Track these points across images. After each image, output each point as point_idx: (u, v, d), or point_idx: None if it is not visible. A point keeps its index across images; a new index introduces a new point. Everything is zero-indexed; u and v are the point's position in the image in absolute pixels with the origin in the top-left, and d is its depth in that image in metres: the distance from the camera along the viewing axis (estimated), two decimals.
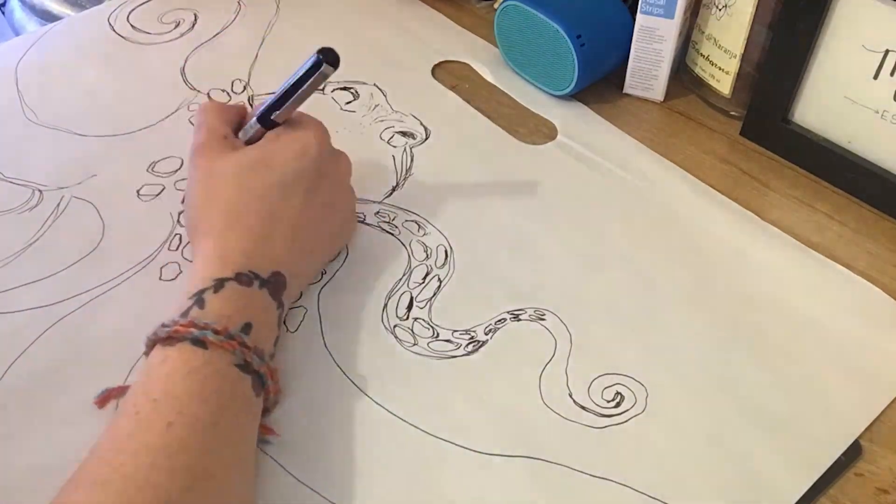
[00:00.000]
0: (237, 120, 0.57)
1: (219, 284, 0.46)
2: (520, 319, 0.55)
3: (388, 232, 0.61)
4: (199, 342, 0.43)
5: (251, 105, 0.71)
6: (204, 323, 0.44)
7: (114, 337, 0.53)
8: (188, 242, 0.59)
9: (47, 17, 1.08)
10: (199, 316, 0.44)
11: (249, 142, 0.55)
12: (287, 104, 0.53)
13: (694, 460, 0.48)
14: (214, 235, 0.49)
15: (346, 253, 0.59)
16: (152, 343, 0.44)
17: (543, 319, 0.55)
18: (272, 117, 0.54)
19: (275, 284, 0.49)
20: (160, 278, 0.57)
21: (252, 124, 0.54)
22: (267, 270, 0.49)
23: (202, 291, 0.46)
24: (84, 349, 0.52)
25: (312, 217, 0.53)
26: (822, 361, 0.53)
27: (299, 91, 0.52)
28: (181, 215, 0.61)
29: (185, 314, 0.44)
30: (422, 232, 0.61)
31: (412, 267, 0.58)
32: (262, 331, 0.47)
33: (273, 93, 0.53)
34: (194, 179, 0.53)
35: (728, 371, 0.53)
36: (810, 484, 0.47)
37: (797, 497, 0.47)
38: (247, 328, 0.45)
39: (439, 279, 0.58)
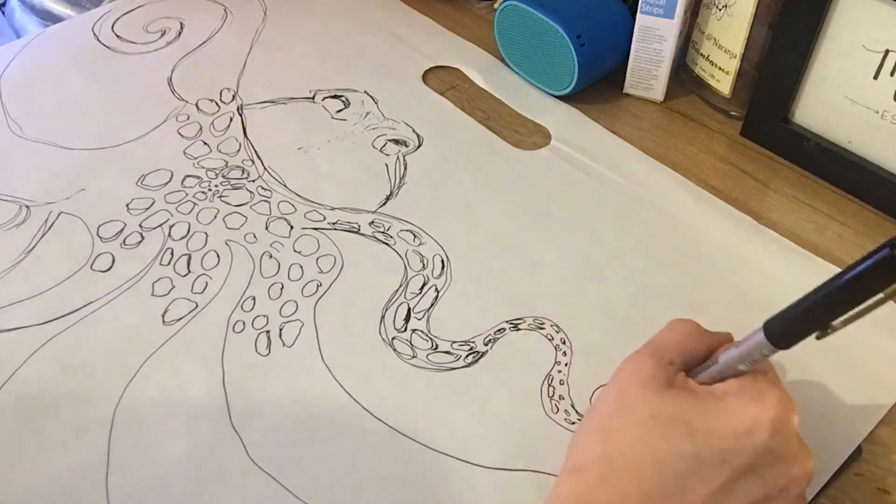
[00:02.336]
0: (704, 352, 0.45)
1: None
2: (519, 329, 0.54)
3: (383, 242, 0.60)
4: None
5: (241, 115, 0.70)
6: None
7: (106, 355, 0.52)
8: (181, 256, 0.58)
9: (47, 17, 1.07)
10: None
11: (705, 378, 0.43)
12: (812, 313, 0.36)
13: None
14: (580, 480, 0.39)
15: (341, 264, 0.58)
16: None
17: (542, 328, 0.54)
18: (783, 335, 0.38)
19: None
20: (152, 294, 0.56)
21: (753, 345, 0.40)
22: None
23: None
24: (76, 369, 0.52)
25: None
26: (823, 364, 0.53)
27: (844, 297, 0.36)
28: (172, 228, 0.60)
29: None
30: (417, 241, 0.60)
31: (409, 278, 0.57)
32: None
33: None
34: (607, 397, 0.42)
35: None
36: (818, 489, 0.47)
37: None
38: None
39: (436, 290, 0.57)
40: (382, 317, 0.55)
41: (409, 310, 0.55)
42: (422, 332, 0.54)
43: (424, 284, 0.57)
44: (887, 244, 0.31)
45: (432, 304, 0.56)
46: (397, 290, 0.57)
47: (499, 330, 0.54)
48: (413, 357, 0.53)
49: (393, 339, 0.54)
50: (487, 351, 0.53)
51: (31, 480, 0.46)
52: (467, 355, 0.53)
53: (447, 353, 0.53)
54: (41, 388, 0.50)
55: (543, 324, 0.55)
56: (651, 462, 0.38)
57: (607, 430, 0.40)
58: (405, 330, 0.54)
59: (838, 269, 0.57)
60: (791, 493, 0.41)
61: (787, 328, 0.37)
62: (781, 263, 0.59)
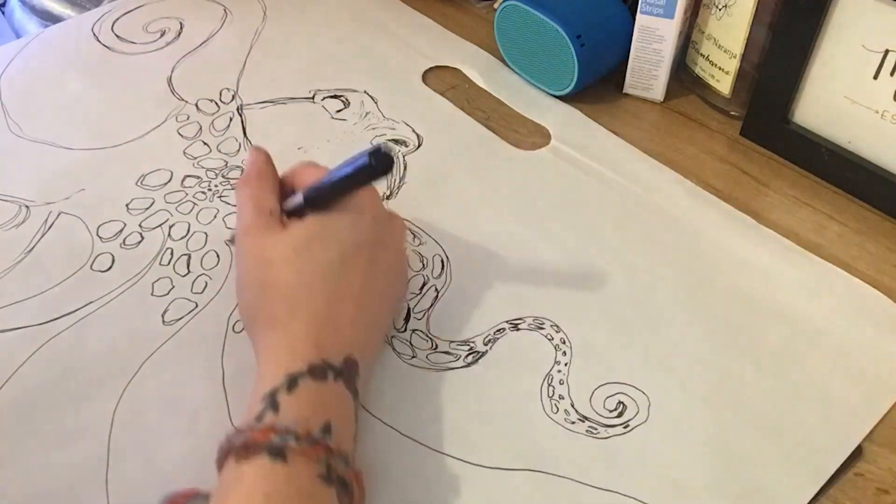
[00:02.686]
0: (277, 182, 0.53)
1: (292, 381, 0.42)
2: (519, 329, 0.54)
3: None
4: (278, 453, 0.38)
5: (241, 115, 0.70)
6: (284, 427, 0.39)
7: (106, 355, 0.52)
8: (181, 256, 0.58)
9: (47, 17, 1.07)
10: (275, 420, 0.40)
11: (293, 214, 0.51)
12: (323, 189, 0.49)
13: (697, 468, 0.48)
14: (279, 326, 0.45)
15: None
16: (224, 453, 0.40)
17: (542, 328, 0.54)
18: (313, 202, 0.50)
19: (349, 372, 0.44)
20: (152, 294, 0.56)
21: (298, 202, 0.50)
22: (339, 357, 0.44)
23: (275, 392, 0.41)
24: (76, 369, 0.51)
25: (374, 288, 0.49)
26: (823, 365, 0.53)
27: (344, 187, 0.48)
28: (172, 228, 0.60)
29: (259, 418, 0.41)
30: (417, 241, 0.60)
31: (409, 277, 0.57)
32: (342, 429, 0.42)
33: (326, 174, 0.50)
34: (246, 265, 0.48)
35: (729, 376, 0.52)
36: (816, 490, 0.47)
37: None
38: (327, 429, 0.41)
39: (436, 289, 0.57)
40: None
41: (409, 310, 0.55)
42: (421, 331, 0.54)
43: (424, 284, 0.57)
44: (371, 155, 0.45)
45: (432, 304, 0.56)
46: None
47: (498, 330, 0.54)
48: (413, 357, 0.53)
49: (392, 338, 0.54)
50: (487, 351, 0.53)
51: (32, 480, 0.46)
52: (467, 355, 0.53)
53: (447, 353, 0.53)
54: (41, 388, 0.50)
55: (543, 324, 0.55)
56: (316, 279, 0.46)
57: (269, 282, 0.46)
58: (405, 330, 0.54)
59: (840, 270, 0.58)
60: (402, 247, 0.54)
61: (314, 199, 0.49)
62: (781, 263, 0.59)
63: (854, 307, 0.56)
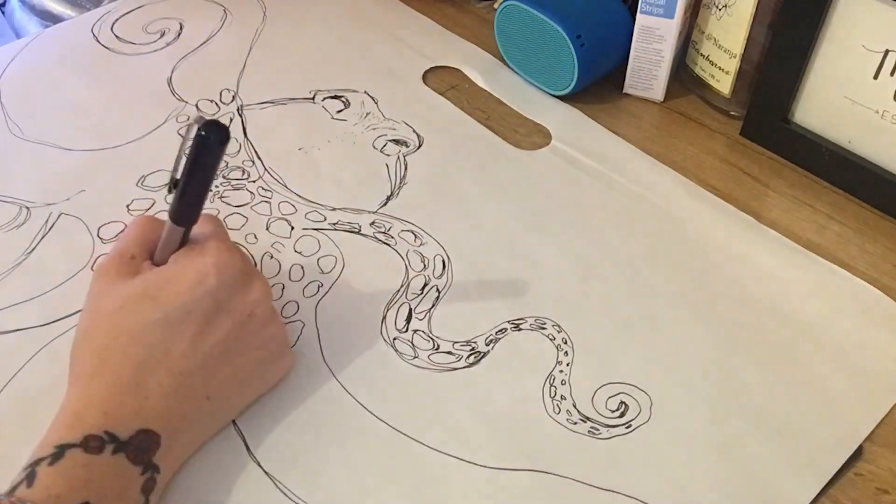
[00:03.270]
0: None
1: (58, 454, 0.39)
2: (520, 329, 0.54)
3: (384, 243, 0.60)
4: None
5: (241, 116, 0.70)
6: (30, 503, 0.37)
7: None
8: None
9: (47, 17, 1.07)
10: (23, 496, 0.38)
11: (160, 259, 0.47)
12: (183, 199, 0.44)
13: (700, 468, 0.48)
14: (79, 384, 0.43)
15: (342, 265, 0.58)
16: None
17: (544, 328, 0.54)
18: (180, 215, 0.45)
19: (138, 446, 0.41)
20: None
21: (168, 228, 0.46)
22: (130, 429, 0.41)
23: (37, 462, 0.39)
24: None
25: (209, 358, 0.45)
26: (825, 364, 0.53)
27: (192, 181, 0.43)
28: None
29: (12, 489, 0.38)
30: (418, 242, 0.60)
31: (410, 278, 0.57)
32: None
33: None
34: (84, 308, 0.46)
35: (731, 376, 0.52)
36: (818, 489, 0.47)
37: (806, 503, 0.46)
38: None
39: (438, 290, 0.57)
40: (384, 317, 0.55)
41: (410, 310, 0.55)
42: (423, 332, 0.54)
43: (426, 285, 0.57)
44: (200, 127, 0.40)
45: (433, 305, 0.56)
46: (398, 290, 0.57)
47: (500, 330, 0.54)
48: (415, 357, 0.53)
49: (395, 339, 0.54)
50: (489, 351, 0.53)
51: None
52: (469, 355, 0.53)
53: (449, 353, 0.53)
54: (42, 390, 0.50)
55: (545, 324, 0.55)
56: (132, 340, 0.43)
57: (91, 334, 0.44)
58: (406, 330, 0.54)
59: (839, 269, 0.58)
60: (259, 314, 0.47)
61: (178, 214, 0.45)
62: (781, 263, 0.59)
63: (854, 307, 0.56)
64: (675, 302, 0.56)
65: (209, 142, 0.41)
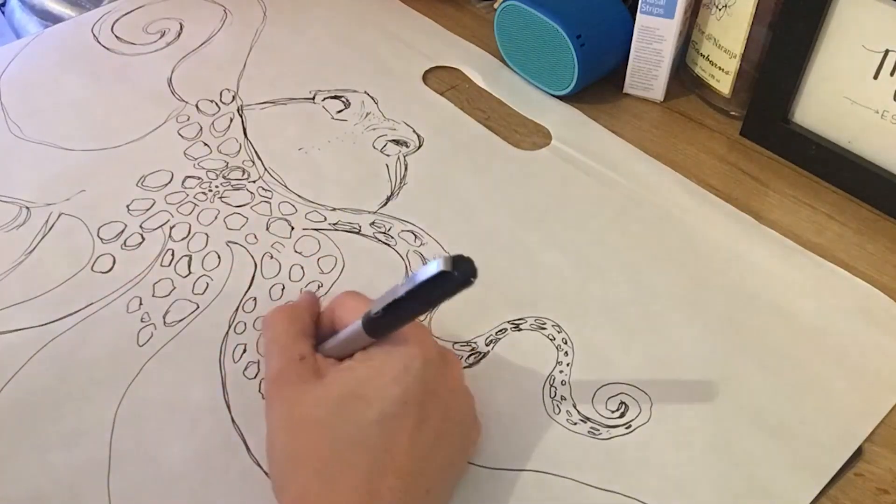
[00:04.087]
0: (311, 321, 0.47)
1: None
2: (520, 329, 0.54)
3: (384, 243, 0.60)
4: None
5: (241, 116, 0.70)
6: None
7: (107, 357, 0.52)
8: (182, 257, 0.58)
9: (47, 17, 1.08)
10: None
11: (336, 353, 0.45)
12: (392, 320, 0.41)
13: (700, 469, 0.48)
14: (308, 502, 0.39)
15: (342, 265, 0.58)
16: None
17: (544, 328, 0.54)
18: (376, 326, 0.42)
19: None
20: (153, 295, 0.56)
21: (356, 333, 0.43)
22: None
23: None
24: (77, 370, 0.51)
25: (428, 449, 0.41)
26: (824, 364, 0.53)
27: (411, 308, 0.40)
28: (172, 229, 0.60)
29: None
30: (418, 242, 0.60)
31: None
32: None
33: (391, 295, 0.40)
34: (274, 423, 0.42)
35: (730, 376, 0.52)
36: (818, 489, 0.47)
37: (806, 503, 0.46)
38: None
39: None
40: None
41: None
42: None
43: None
44: (453, 261, 0.36)
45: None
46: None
47: (500, 330, 0.54)
48: None
49: None
50: (489, 352, 0.53)
51: (33, 481, 0.46)
52: (469, 356, 0.53)
53: None
54: (42, 390, 0.50)
55: (545, 324, 0.55)
56: (352, 447, 0.40)
57: (297, 450, 0.41)
58: None
59: (839, 269, 0.58)
60: (458, 388, 0.45)
61: (375, 325, 0.41)
62: (781, 263, 0.59)
63: (854, 307, 0.56)
64: (674, 302, 0.56)
65: (453, 278, 0.36)
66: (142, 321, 0.54)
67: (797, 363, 0.53)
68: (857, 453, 0.49)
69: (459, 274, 0.36)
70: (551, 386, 0.51)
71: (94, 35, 0.79)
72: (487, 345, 0.54)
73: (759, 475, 0.47)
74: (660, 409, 0.50)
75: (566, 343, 0.54)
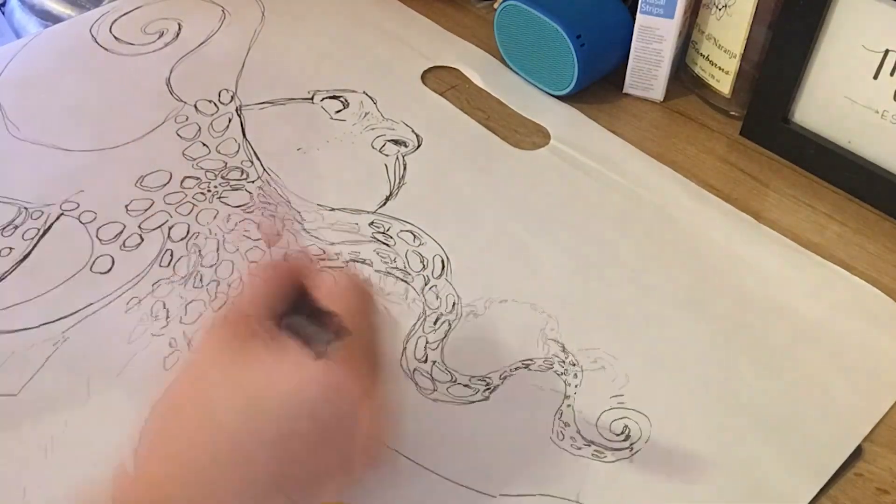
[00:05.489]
0: (294, 288, 0.40)
1: None
2: (530, 369, 0.53)
3: (383, 243, 0.60)
4: None
5: (240, 116, 0.70)
6: None
7: (107, 357, 0.52)
8: (181, 257, 0.58)
9: (47, 17, 1.08)
10: None
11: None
12: None
13: (700, 469, 0.48)
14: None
15: (342, 265, 0.58)
16: None
17: (552, 367, 0.53)
18: None
19: None
20: (152, 295, 0.56)
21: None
22: None
23: None
24: (77, 371, 0.51)
25: None
26: (824, 364, 0.53)
27: None
28: (171, 229, 0.60)
29: None
30: (417, 242, 0.60)
31: (426, 315, 0.56)
32: None
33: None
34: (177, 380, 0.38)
35: (731, 376, 0.52)
36: (817, 489, 0.47)
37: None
38: None
39: (449, 323, 0.55)
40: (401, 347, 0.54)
41: (426, 342, 0.54)
42: (440, 364, 0.53)
43: (426, 285, 0.57)
44: None
45: (445, 336, 0.55)
46: (414, 324, 0.55)
47: (515, 368, 0.53)
48: (433, 391, 0.52)
49: (414, 371, 0.53)
50: (500, 385, 0.52)
51: (33, 482, 0.46)
52: (485, 389, 0.52)
53: (466, 386, 0.52)
54: (42, 390, 0.50)
55: (553, 363, 0.53)
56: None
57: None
58: (426, 361, 0.53)
59: (840, 269, 0.58)
60: None
61: None
62: (781, 263, 0.59)
63: (854, 306, 0.56)
64: (674, 302, 0.56)
65: None
66: (142, 322, 0.54)
67: (797, 363, 0.53)
68: (857, 453, 0.49)
69: None
70: (559, 420, 0.50)
71: (93, 35, 0.79)
72: (501, 379, 0.52)
73: (759, 475, 0.47)
74: (660, 408, 0.50)
75: (574, 365, 0.53)
